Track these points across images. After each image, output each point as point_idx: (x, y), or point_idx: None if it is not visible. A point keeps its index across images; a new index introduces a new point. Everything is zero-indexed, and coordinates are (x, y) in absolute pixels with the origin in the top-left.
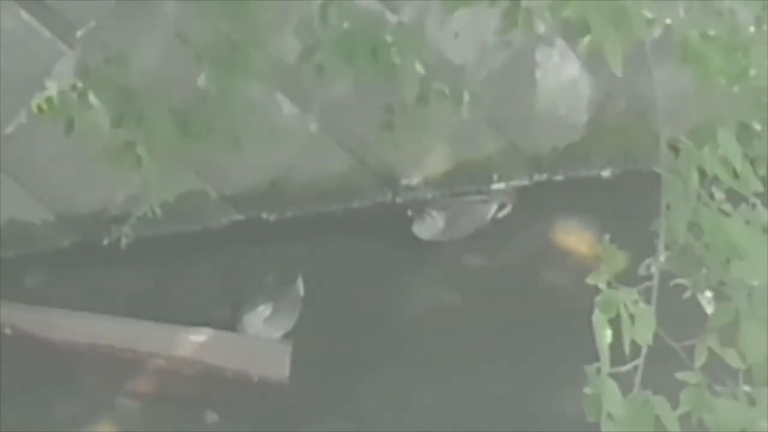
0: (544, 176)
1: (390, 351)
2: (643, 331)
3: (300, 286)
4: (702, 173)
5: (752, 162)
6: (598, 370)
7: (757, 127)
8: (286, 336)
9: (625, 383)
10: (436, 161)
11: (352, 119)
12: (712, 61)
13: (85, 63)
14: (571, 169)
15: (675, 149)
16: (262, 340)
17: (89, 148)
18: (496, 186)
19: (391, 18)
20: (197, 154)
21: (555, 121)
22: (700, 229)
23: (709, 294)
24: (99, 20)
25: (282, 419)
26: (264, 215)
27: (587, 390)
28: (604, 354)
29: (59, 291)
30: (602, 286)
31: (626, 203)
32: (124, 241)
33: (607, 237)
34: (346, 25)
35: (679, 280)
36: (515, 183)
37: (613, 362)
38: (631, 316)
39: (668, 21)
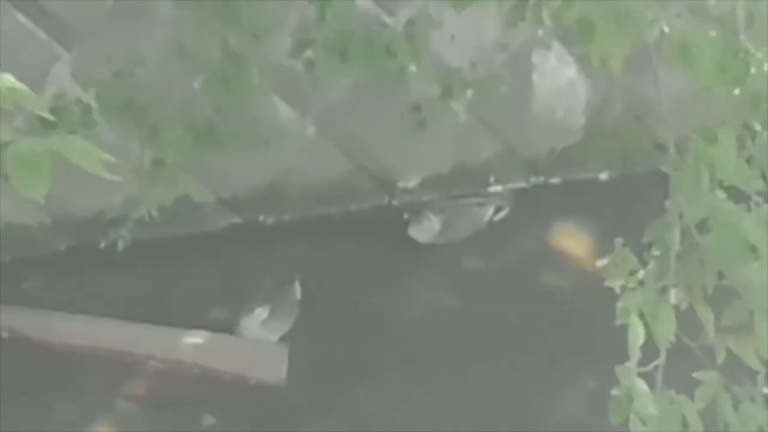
0: (541, 179)
1: (387, 353)
2: (664, 331)
3: (297, 288)
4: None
5: (747, 161)
6: (627, 370)
7: (758, 127)
8: (283, 339)
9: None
10: (434, 164)
11: (350, 123)
12: (706, 65)
13: (88, 73)
14: (568, 172)
15: (663, 150)
16: (259, 342)
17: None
18: (493, 189)
19: (389, 20)
20: (195, 158)
21: (552, 124)
22: (704, 230)
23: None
24: (96, 23)
25: (279, 422)
26: (261, 218)
27: (614, 391)
28: (635, 354)
29: (57, 294)
30: (618, 288)
31: (623, 206)
32: (121, 244)
33: (619, 240)
34: (342, 26)
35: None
36: (512, 186)
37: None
38: (652, 317)
39: (665, 29)
